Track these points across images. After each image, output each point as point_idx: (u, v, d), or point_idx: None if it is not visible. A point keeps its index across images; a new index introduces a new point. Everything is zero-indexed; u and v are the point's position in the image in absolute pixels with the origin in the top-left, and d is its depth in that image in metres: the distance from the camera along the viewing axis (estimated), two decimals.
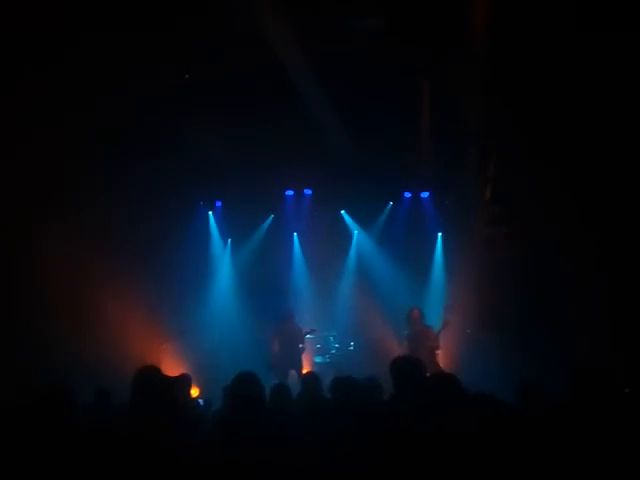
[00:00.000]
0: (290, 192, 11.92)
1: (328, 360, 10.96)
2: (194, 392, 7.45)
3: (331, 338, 11.25)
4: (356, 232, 12.03)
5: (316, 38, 7.40)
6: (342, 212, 12.04)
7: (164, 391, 3.53)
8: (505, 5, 6.31)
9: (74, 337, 8.73)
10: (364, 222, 11.97)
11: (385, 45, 7.18)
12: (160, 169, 9.66)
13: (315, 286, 11.48)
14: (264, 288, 11.00)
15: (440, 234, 11.57)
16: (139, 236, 9.95)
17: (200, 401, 7.16)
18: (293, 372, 9.42)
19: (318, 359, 11.00)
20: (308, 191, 11.82)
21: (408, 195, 11.68)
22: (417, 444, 3.11)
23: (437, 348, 8.63)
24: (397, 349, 8.79)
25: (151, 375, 3.53)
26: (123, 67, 7.60)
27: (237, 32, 7.18)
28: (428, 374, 4.17)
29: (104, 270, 9.21)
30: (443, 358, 9.09)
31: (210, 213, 12.17)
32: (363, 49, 7.44)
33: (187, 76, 8.73)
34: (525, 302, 9.51)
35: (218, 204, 12.16)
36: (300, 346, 9.77)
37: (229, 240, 12.19)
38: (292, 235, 12.17)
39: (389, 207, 11.81)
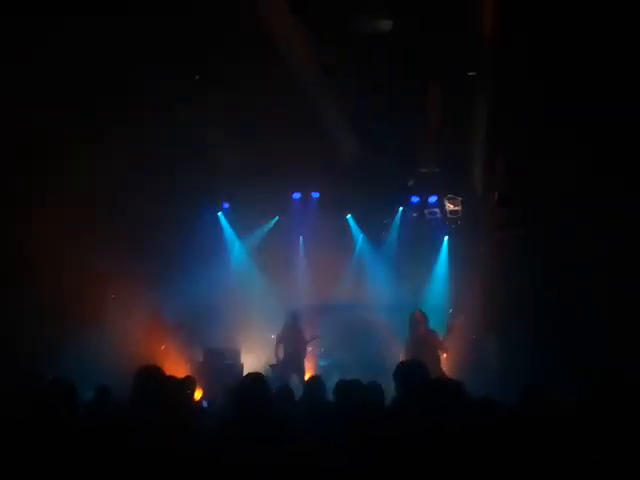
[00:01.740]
0: (297, 195, 11.90)
1: (330, 362, 10.91)
2: (197, 394, 7.45)
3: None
4: (361, 236, 12.00)
5: (324, 40, 7.40)
6: (348, 217, 12.01)
7: (165, 393, 3.53)
8: (514, 7, 6.29)
9: (76, 334, 8.76)
10: (371, 225, 11.94)
11: (392, 49, 7.17)
12: (167, 170, 9.69)
13: (320, 290, 11.47)
14: (270, 289, 11.01)
15: (447, 237, 11.54)
16: (144, 234, 9.97)
17: (204, 402, 7.17)
18: (295, 377, 9.38)
19: (322, 362, 10.97)
20: (315, 194, 11.80)
21: (416, 199, 11.65)
22: (420, 449, 3.09)
23: (444, 350, 8.59)
24: (400, 353, 8.73)
25: (152, 376, 3.52)
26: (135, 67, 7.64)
27: (247, 34, 7.20)
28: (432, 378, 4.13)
29: (108, 268, 9.24)
30: (447, 363, 9.05)
31: (220, 214, 12.18)
32: (371, 52, 7.43)
33: (197, 77, 8.75)
34: (531, 307, 9.46)
35: (225, 205, 12.18)
36: (303, 350, 9.74)
37: (236, 242, 12.20)
38: (298, 238, 12.16)
39: (400, 212, 11.78)
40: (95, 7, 6.58)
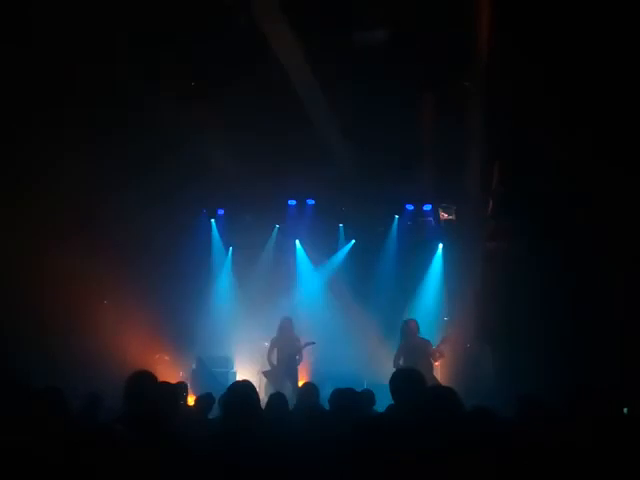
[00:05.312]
0: (292, 202, 11.90)
1: (323, 370, 10.85)
2: (190, 400, 7.41)
3: None
4: (353, 242, 11.98)
5: (320, 51, 7.41)
6: (340, 226, 12.01)
7: (158, 397, 3.50)
8: (508, 18, 6.30)
9: (69, 342, 8.71)
10: (365, 233, 11.94)
11: (388, 59, 7.19)
12: (163, 177, 9.68)
13: (316, 297, 11.46)
14: (264, 297, 10.98)
15: (441, 245, 11.56)
16: (140, 244, 9.94)
17: None
18: (288, 383, 9.33)
19: (315, 369, 10.89)
20: (311, 201, 11.80)
21: (410, 207, 11.67)
22: (416, 459, 3.07)
23: (437, 359, 8.60)
24: (392, 361, 8.70)
25: (145, 380, 3.50)
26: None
27: (242, 43, 7.21)
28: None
29: (103, 277, 9.20)
30: (440, 371, 9.05)
31: (212, 221, 12.16)
32: (366, 62, 7.45)
33: (193, 84, 8.74)
34: (525, 317, 9.47)
35: (220, 212, 12.17)
36: (297, 357, 9.70)
37: (230, 248, 12.18)
38: (294, 245, 12.15)
39: (396, 221, 11.78)
40: None
